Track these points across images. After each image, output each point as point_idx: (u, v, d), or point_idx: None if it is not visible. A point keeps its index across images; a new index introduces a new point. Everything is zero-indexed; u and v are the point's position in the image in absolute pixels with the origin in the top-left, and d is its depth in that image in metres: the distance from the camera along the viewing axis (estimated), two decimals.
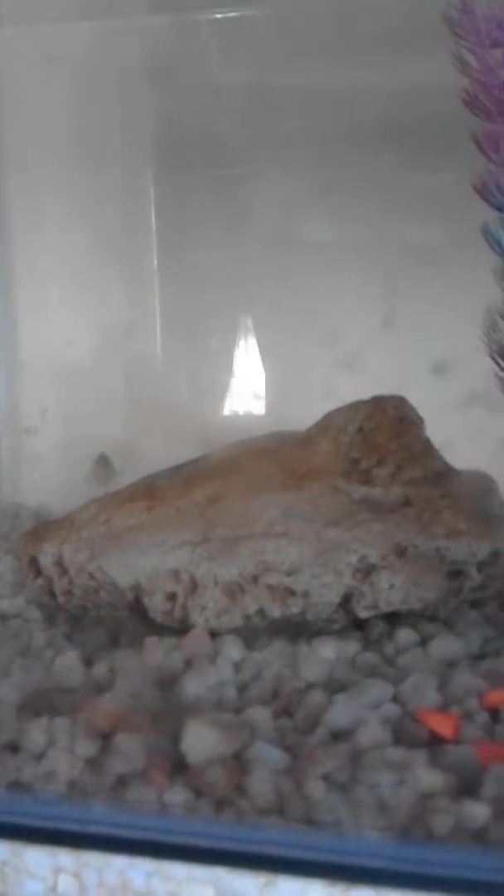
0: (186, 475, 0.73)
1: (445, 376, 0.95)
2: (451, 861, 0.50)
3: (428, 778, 0.52)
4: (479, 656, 0.66)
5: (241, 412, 1.06)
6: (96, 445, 1.04)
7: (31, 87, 1.04)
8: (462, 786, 0.52)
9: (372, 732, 0.55)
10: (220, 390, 1.06)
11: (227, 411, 1.07)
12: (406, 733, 0.57)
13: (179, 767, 0.54)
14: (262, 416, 1.06)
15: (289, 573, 0.67)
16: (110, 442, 1.02)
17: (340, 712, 0.57)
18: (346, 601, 0.68)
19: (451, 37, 0.73)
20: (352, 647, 0.66)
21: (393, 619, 0.69)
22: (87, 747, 0.55)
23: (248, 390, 1.06)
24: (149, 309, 1.06)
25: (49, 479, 1.03)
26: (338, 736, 0.56)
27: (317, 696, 0.60)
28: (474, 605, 0.71)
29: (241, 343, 1.04)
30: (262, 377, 1.05)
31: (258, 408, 1.06)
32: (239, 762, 0.54)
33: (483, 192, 0.74)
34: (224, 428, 1.04)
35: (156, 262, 1.06)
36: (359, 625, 0.69)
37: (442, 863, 0.50)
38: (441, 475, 0.73)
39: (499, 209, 0.74)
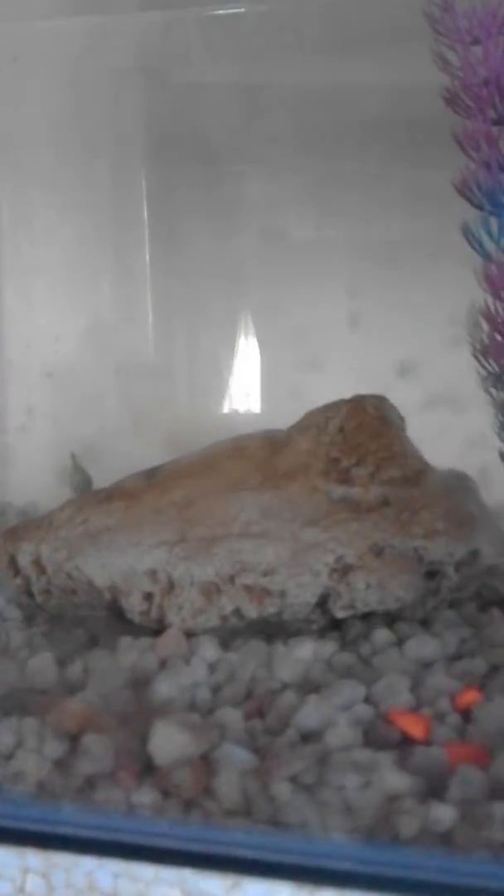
0: (165, 475, 0.73)
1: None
2: (416, 863, 0.50)
3: (394, 780, 0.52)
4: (456, 657, 0.66)
5: (236, 410, 1.06)
6: (84, 444, 1.04)
7: (20, 81, 1.04)
8: (430, 788, 0.52)
9: (341, 733, 0.55)
10: (215, 387, 1.06)
11: (221, 409, 1.06)
12: (378, 734, 0.56)
13: (148, 768, 0.54)
14: (258, 414, 1.06)
15: (265, 573, 0.67)
16: (98, 441, 1.02)
17: (310, 713, 0.57)
18: (323, 601, 0.68)
19: (432, 34, 0.73)
20: (329, 647, 0.66)
21: (371, 619, 0.69)
22: (55, 748, 0.55)
23: (243, 387, 1.06)
24: (140, 304, 1.06)
25: (37, 478, 1.02)
26: (307, 737, 0.56)
27: (289, 697, 0.59)
28: (452, 605, 0.71)
29: (236, 339, 1.04)
30: (257, 374, 1.05)
31: (254, 406, 1.06)
32: (206, 763, 0.54)
33: (464, 190, 0.73)
34: (218, 426, 1.03)
35: (148, 256, 1.05)
36: (337, 625, 0.69)
37: (408, 865, 0.50)
38: (420, 475, 0.73)
39: (480, 208, 0.74)
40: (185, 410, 1.06)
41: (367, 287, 0.99)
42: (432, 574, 0.69)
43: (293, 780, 0.52)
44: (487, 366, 0.77)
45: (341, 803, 0.51)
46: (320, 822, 0.51)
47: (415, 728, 0.57)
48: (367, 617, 0.69)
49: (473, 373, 0.74)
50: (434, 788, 0.52)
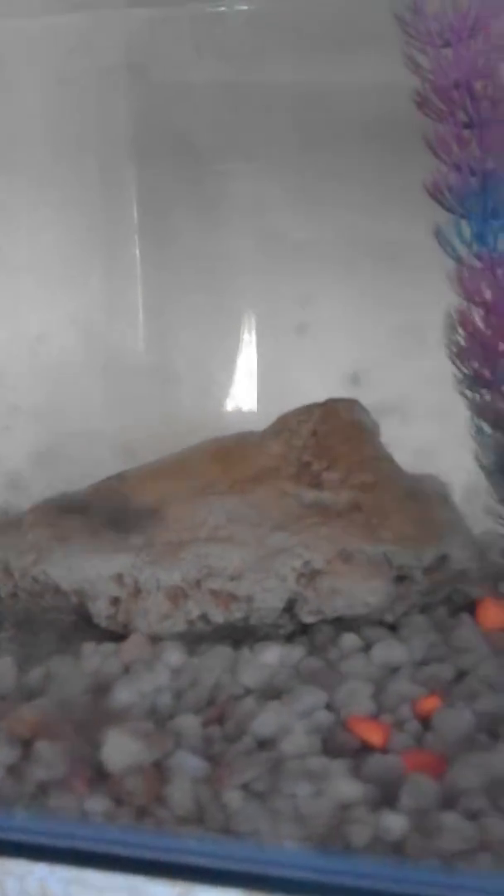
0: (134, 479, 0.73)
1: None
2: (367, 872, 0.50)
3: (346, 788, 0.51)
4: (423, 662, 0.65)
5: (229, 409, 1.06)
6: (71, 445, 1.04)
7: (7, 78, 1.04)
8: (384, 796, 0.52)
9: (296, 741, 0.55)
10: (208, 386, 1.06)
11: (211, 408, 1.06)
12: (336, 742, 0.56)
13: (101, 775, 0.54)
14: (253, 412, 1.06)
15: (232, 578, 0.67)
16: (79, 443, 1.01)
17: (267, 720, 0.57)
18: (290, 606, 0.67)
19: (403, 36, 0.72)
20: (296, 652, 0.66)
21: (339, 623, 0.68)
22: (7, 754, 0.55)
23: (237, 386, 1.05)
24: (131, 301, 1.05)
25: (20, 480, 1.02)
26: (264, 744, 0.56)
27: (249, 704, 0.59)
28: (423, 610, 0.70)
29: (230, 338, 1.04)
30: (251, 373, 1.05)
31: (248, 405, 1.06)
32: (159, 771, 0.54)
33: (435, 193, 0.73)
34: (209, 425, 1.03)
35: (138, 252, 1.05)
36: (305, 630, 0.69)
37: (359, 874, 0.50)
38: (392, 479, 0.72)
39: (451, 211, 0.73)
40: (176, 409, 1.06)
41: (367, 286, 0.98)
42: (402, 578, 0.69)
43: (245, 787, 0.52)
44: (463, 368, 0.77)
45: (293, 811, 0.51)
46: (272, 830, 0.51)
47: (373, 735, 0.57)
48: (335, 621, 0.68)
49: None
50: (387, 797, 0.52)
